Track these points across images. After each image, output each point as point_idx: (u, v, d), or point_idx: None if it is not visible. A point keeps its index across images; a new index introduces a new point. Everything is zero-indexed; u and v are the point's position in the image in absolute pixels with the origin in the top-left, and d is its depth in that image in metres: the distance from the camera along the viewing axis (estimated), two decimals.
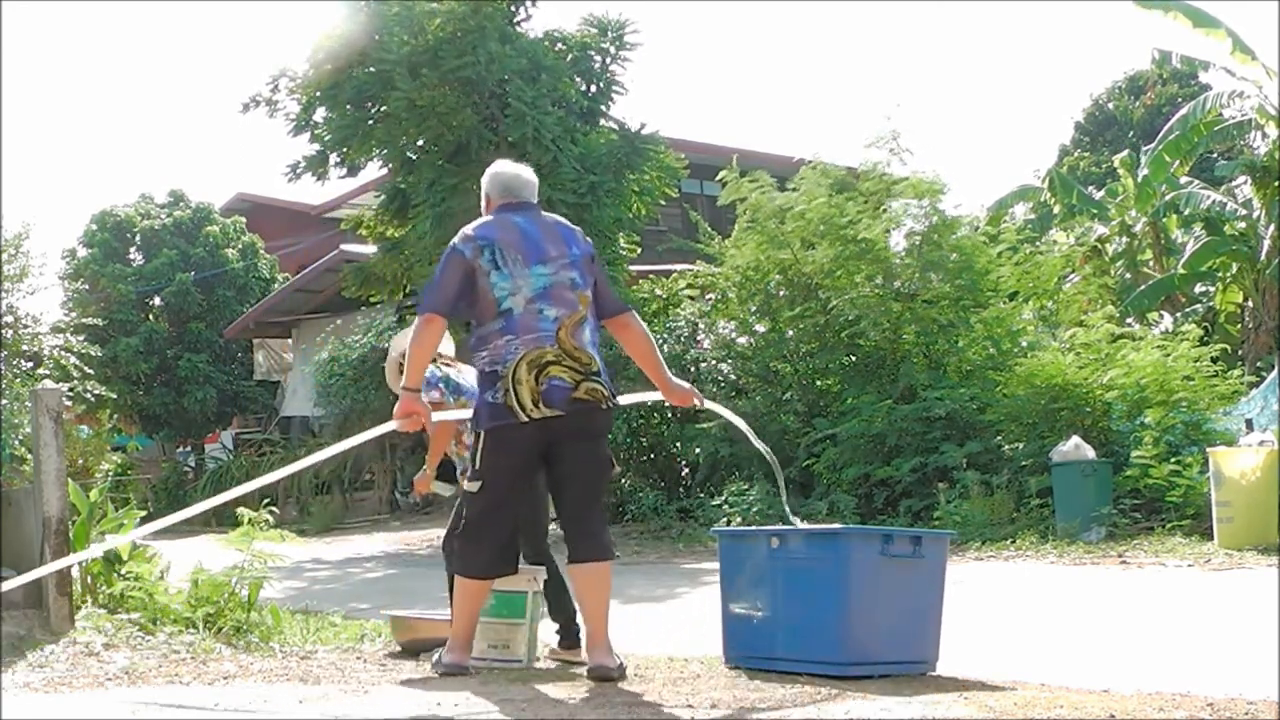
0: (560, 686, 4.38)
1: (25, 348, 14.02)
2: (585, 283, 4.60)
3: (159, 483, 24.49)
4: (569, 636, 5.26)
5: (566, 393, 4.44)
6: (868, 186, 13.93)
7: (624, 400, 5.12)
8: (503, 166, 4.90)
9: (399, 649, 5.50)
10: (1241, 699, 3.84)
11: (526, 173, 4.87)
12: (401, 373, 4.78)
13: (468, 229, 4.68)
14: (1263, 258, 15.88)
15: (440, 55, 14.22)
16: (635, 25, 15.66)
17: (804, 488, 12.83)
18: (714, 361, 15.08)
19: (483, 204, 4.85)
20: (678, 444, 14.80)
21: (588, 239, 4.79)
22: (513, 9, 15.48)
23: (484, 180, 4.87)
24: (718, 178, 14.59)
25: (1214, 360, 11.67)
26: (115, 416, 26.10)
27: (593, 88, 15.74)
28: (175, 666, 4.83)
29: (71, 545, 5.58)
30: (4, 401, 12.33)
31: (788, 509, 5.47)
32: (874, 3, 66.43)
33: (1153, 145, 17.48)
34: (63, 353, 14.39)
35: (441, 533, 5.70)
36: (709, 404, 5.23)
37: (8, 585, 5.02)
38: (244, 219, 27.55)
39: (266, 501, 6.21)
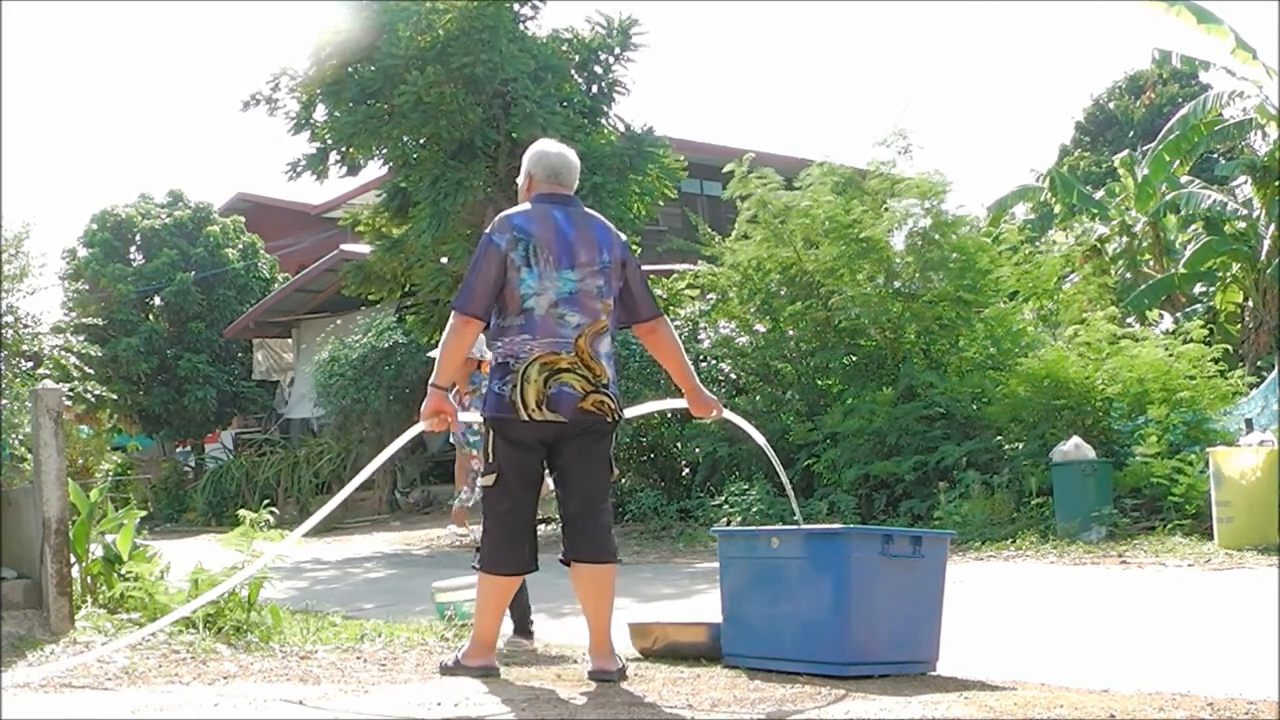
0: (561, 686, 4.38)
1: (25, 348, 13.99)
2: (611, 290, 4.49)
3: (159, 483, 24.49)
4: (523, 630, 5.52)
5: (574, 401, 4.39)
6: (873, 185, 13.91)
7: (633, 411, 5.07)
8: (549, 146, 4.70)
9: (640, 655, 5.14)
10: (1241, 699, 3.84)
11: (573, 157, 4.68)
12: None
13: (509, 215, 4.50)
14: (1263, 258, 15.88)
15: (449, 52, 14.19)
16: (642, 25, 15.64)
17: (804, 488, 12.82)
18: (714, 361, 15.07)
19: (521, 181, 4.66)
20: (678, 444, 14.78)
21: (623, 241, 4.62)
22: (518, 8, 15.44)
23: (528, 159, 4.65)
24: (725, 169, 14.50)
25: (1215, 361, 11.67)
26: (115, 416, 26.09)
27: (595, 88, 15.71)
28: (175, 666, 4.82)
29: (71, 545, 5.58)
30: (4, 401, 12.32)
31: (799, 515, 5.45)
32: (875, 3, 66.46)
33: (1153, 145, 17.49)
34: (63, 353, 14.37)
35: (441, 532, 5.70)
36: (730, 415, 5.07)
37: None
38: (244, 219, 27.56)
39: (266, 502, 6.19)
